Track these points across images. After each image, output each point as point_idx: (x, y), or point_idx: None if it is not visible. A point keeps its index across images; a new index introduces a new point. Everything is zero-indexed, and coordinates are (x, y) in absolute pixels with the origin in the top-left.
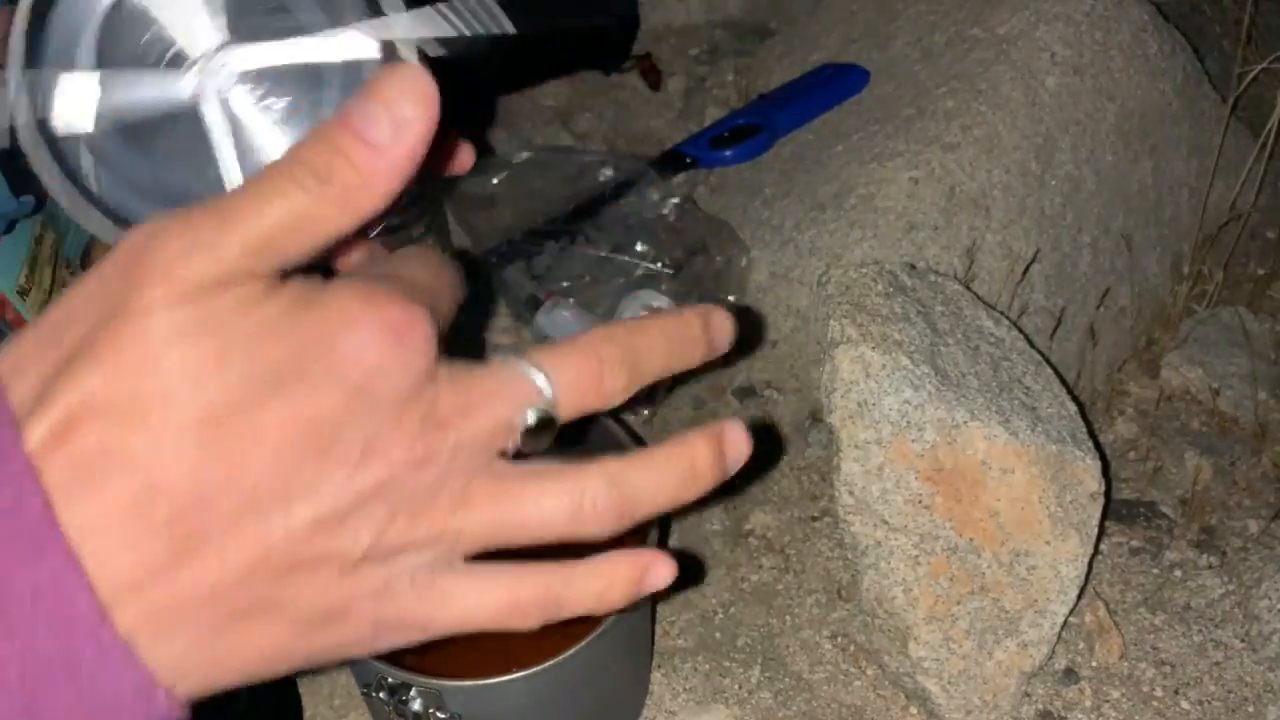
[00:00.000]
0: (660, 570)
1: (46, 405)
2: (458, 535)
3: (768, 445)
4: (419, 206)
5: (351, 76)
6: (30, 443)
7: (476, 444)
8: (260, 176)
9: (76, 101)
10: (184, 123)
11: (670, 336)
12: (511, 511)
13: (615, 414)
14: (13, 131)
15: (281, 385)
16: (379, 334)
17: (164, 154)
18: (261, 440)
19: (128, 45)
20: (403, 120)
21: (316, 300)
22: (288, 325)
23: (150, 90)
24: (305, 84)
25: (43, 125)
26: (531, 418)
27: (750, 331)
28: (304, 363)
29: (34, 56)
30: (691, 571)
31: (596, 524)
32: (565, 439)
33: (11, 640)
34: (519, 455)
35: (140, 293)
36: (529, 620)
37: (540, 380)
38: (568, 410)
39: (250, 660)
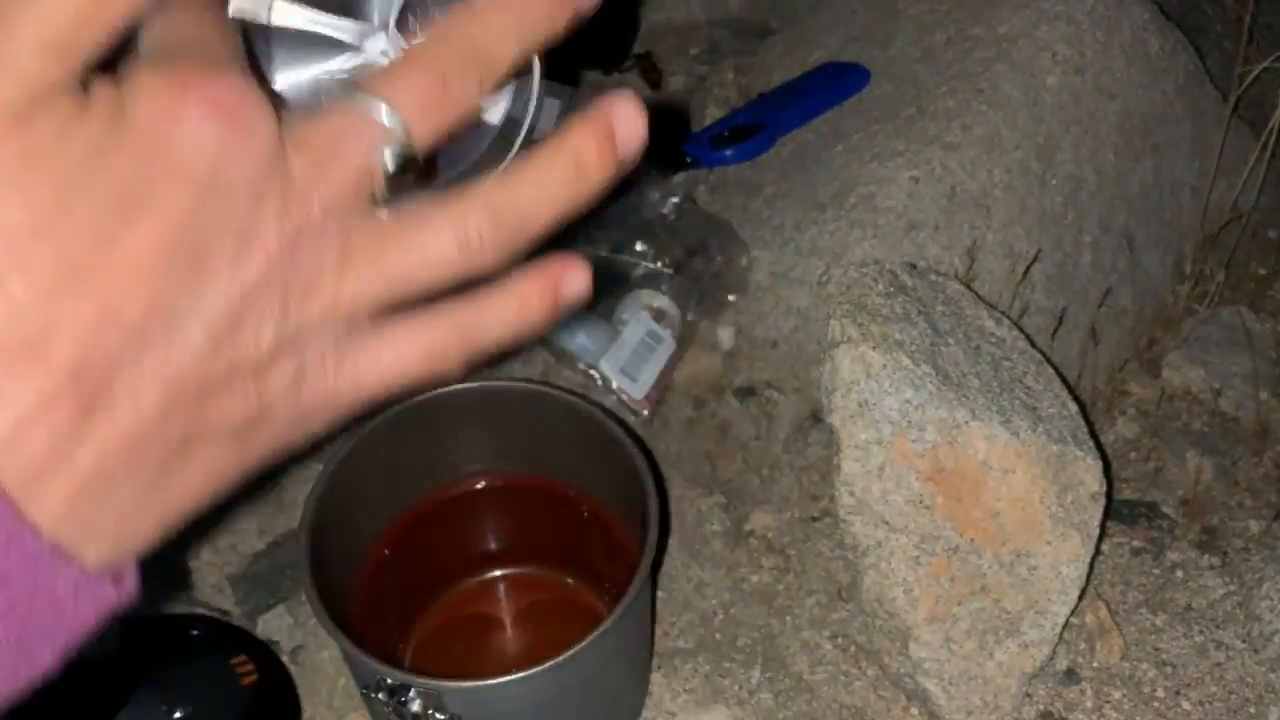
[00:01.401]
0: (574, 275)
1: None
2: (354, 300)
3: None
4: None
5: None
6: None
7: (341, 201)
8: None
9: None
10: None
11: (515, 7)
12: (397, 261)
13: (615, 417)
14: None
15: (130, 206)
16: (209, 120)
17: None
18: (129, 269)
19: None
20: None
21: (132, 102)
22: (114, 141)
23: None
24: None
25: None
26: (390, 160)
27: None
28: (144, 175)
29: None
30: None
31: (488, 253)
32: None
33: None
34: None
35: None
36: (453, 361)
37: (383, 112)
38: (425, 134)
39: (193, 492)
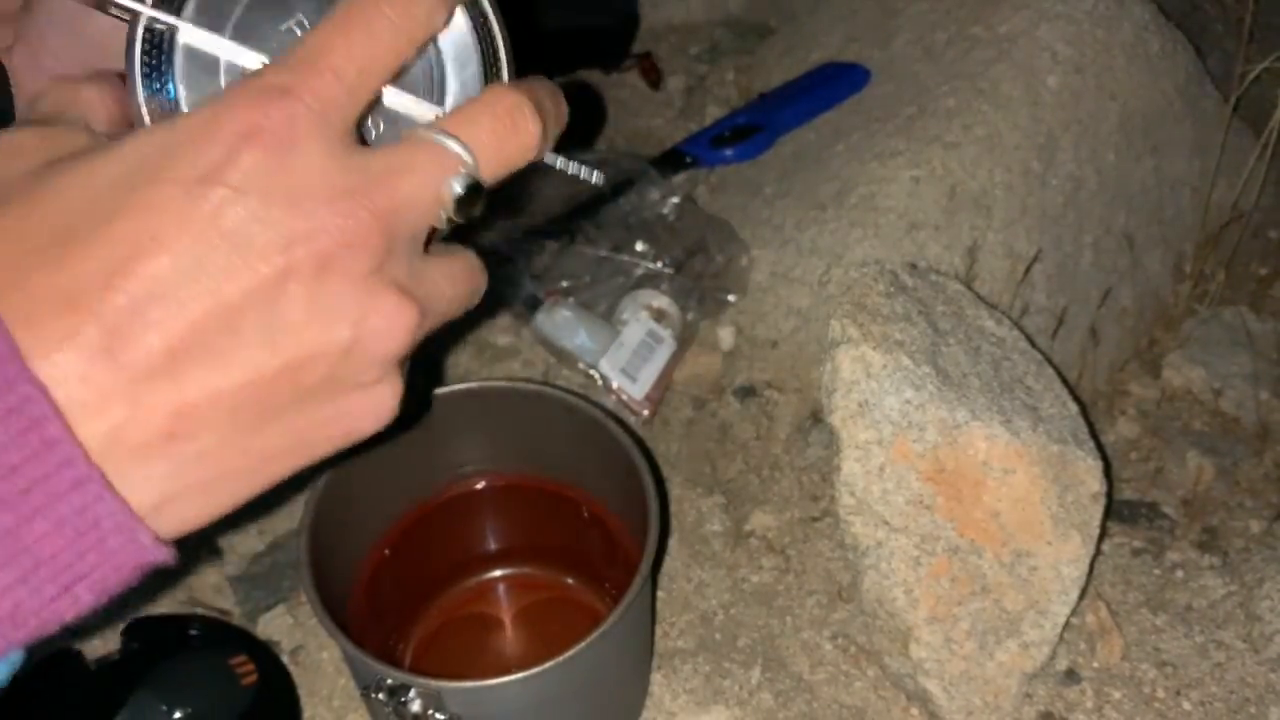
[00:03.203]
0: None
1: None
2: (422, 320)
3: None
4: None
5: None
6: None
7: (411, 227)
8: None
9: None
10: None
11: (540, 90)
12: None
13: (615, 417)
14: None
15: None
16: (246, 146)
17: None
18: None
19: None
20: None
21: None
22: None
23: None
24: None
25: None
26: (459, 187)
27: None
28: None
29: None
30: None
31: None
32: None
33: None
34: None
35: None
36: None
37: (456, 146)
38: (492, 170)
39: (259, 471)
